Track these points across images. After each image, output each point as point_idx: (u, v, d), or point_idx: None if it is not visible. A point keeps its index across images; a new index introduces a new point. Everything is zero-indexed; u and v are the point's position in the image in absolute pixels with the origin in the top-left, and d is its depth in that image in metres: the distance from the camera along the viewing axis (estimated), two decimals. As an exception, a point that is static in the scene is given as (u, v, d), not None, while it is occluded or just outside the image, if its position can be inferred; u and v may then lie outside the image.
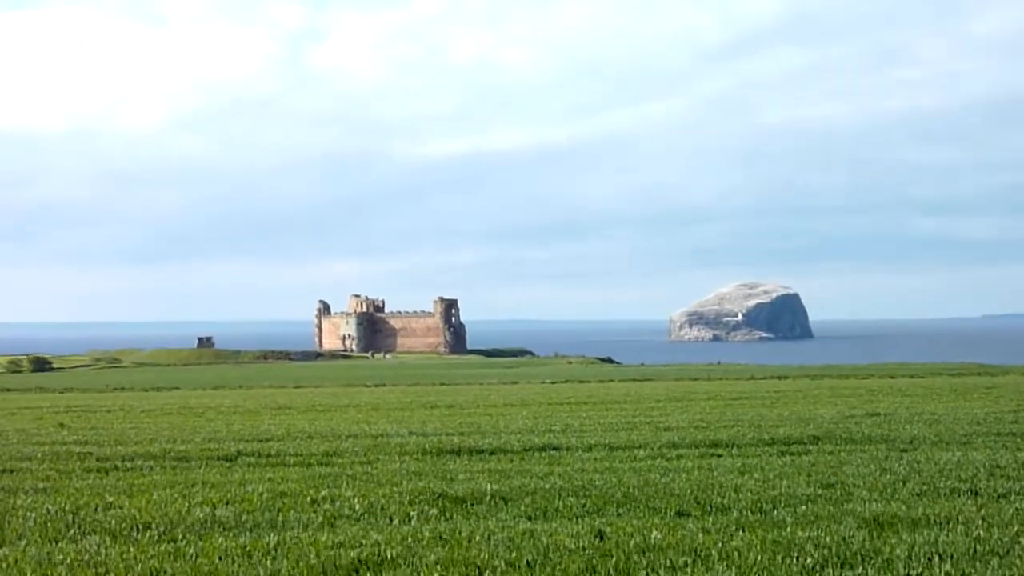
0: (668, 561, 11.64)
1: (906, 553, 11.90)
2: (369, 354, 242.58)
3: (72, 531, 14.23)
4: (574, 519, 14.66)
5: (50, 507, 16.14)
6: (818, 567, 11.41)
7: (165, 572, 11.43)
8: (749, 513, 14.93)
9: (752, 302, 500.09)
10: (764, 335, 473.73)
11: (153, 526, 14.40)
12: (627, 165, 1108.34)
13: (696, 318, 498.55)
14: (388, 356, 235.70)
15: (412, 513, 15.20)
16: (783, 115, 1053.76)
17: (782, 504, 15.67)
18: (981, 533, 12.88)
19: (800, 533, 13.03)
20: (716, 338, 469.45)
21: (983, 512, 14.45)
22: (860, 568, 11.32)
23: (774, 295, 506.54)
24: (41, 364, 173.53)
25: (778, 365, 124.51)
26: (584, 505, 15.75)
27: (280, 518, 14.94)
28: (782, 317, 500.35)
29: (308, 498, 16.58)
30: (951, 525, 13.54)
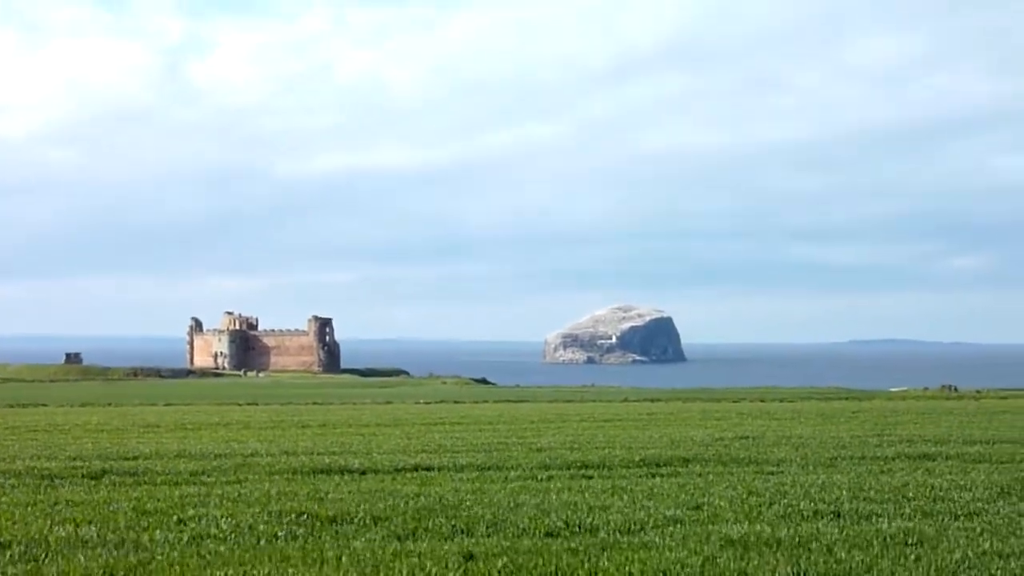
0: (535, 582, 11.72)
1: (770, 574, 12.12)
2: (242, 372, 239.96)
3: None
4: (443, 540, 14.67)
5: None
6: (683, 587, 11.57)
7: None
8: (617, 534, 15.07)
9: (626, 325, 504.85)
10: (638, 358, 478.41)
11: (13, 544, 14.12)
12: (508, 187, 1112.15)
13: (571, 340, 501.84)
14: (261, 374, 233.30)
15: (279, 533, 15.09)
16: (663, 140, 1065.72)
17: (650, 525, 15.84)
18: (842, 555, 13.15)
19: (668, 554, 13.19)
20: (590, 360, 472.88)
21: (845, 534, 14.77)
22: (724, 588, 11.49)
23: (647, 318, 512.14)
24: None
25: (651, 388, 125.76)
26: (454, 526, 15.76)
27: (144, 537, 14.74)
28: (655, 340, 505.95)
29: (175, 517, 16.39)
30: (813, 546, 13.80)
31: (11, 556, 13.46)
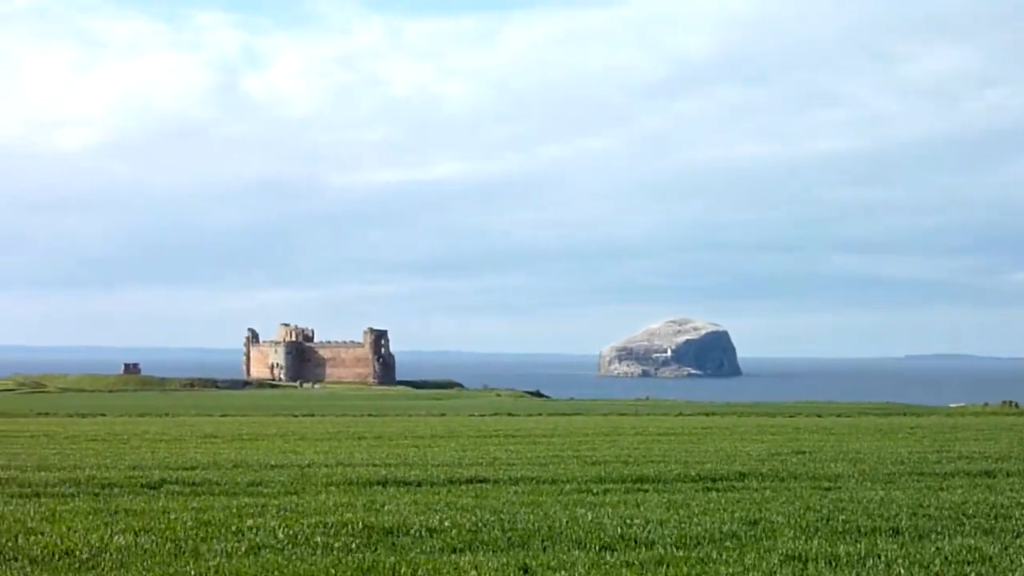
0: (592, 596, 11.69)
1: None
2: (297, 383, 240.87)
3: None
4: (499, 552, 14.66)
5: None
6: (741, 603, 11.49)
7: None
8: (674, 548, 14.97)
9: (681, 339, 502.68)
10: (693, 371, 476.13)
11: (75, 553, 14.26)
12: (561, 200, 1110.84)
13: (625, 353, 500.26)
14: (316, 386, 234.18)
15: (336, 545, 15.13)
16: (714, 153, 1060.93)
17: (707, 540, 15.73)
18: (902, 572, 13.03)
19: (725, 569, 13.12)
20: (645, 373, 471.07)
21: (905, 551, 14.61)
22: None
23: (703, 332, 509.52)
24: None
25: (706, 402, 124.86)
26: (509, 538, 15.75)
27: (203, 547, 14.83)
28: (711, 354, 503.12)
29: (232, 527, 16.47)
30: (871, 563, 13.68)
31: (73, 564, 13.61)
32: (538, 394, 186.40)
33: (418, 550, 14.79)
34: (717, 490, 22.88)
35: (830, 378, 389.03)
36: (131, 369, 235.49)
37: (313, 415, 76.68)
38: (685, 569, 13.17)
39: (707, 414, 79.78)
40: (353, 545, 15.18)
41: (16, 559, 13.93)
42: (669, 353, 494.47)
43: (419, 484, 23.69)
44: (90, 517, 17.75)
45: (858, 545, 15.07)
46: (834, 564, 13.64)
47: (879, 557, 14.06)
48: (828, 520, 17.66)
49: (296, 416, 74.33)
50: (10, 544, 14.93)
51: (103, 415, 75.18)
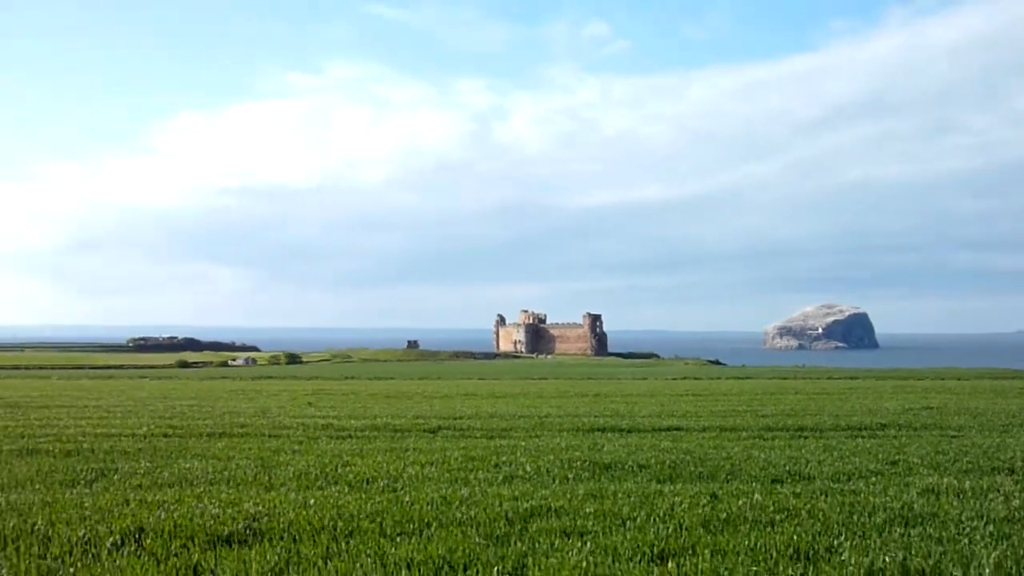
0: (767, 518, 11.50)
1: (957, 516, 11.57)
2: (534, 355, 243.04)
3: (320, 481, 14.62)
4: (693, 483, 14.56)
5: (303, 464, 16.62)
6: (887, 524, 11.14)
7: (387, 512, 11.66)
8: (830, 482, 14.63)
9: (830, 319, 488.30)
10: (839, 345, 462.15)
11: (378, 480, 14.73)
12: (734, 213, 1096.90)
13: (785, 331, 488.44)
14: (548, 357, 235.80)
15: (569, 476, 15.25)
16: (858, 174, 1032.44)
17: (856, 476, 15.32)
18: (1016, 503, 12.43)
19: (872, 499, 12.74)
20: (800, 347, 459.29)
21: (1019, 487, 13.95)
22: (920, 527, 11.03)
23: (848, 314, 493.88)
24: (293, 358, 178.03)
25: (851, 368, 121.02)
26: (700, 473, 15.62)
27: (471, 476, 15.14)
28: (854, 331, 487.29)
29: (491, 462, 16.74)
30: (992, 496, 13.10)
31: (377, 487, 14.05)
32: (717, 362, 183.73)
33: (631, 481, 14.79)
34: (862, 437, 22.22)
35: (952, 350, 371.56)
36: (412, 344, 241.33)
37: (546, 379, 77.18)
38: (840, 498, 12.83)
39: (851, 378, 77.29)
40: (582, 476, 15.29)
41: (336, 483, 14.45)
42: (820, 330, 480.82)
43: (629, 431, 23.65)
44: (387, 453, 18.29)
45: (981, 481, 14.44)
46: (961, 496, 13.10)
47: (998, 491, 13.45)
48: (955, 461, 16.96)
49: (533, 380, 74.95)
50: (332, 472, 15.51)
51: (393, 378, 77.18)
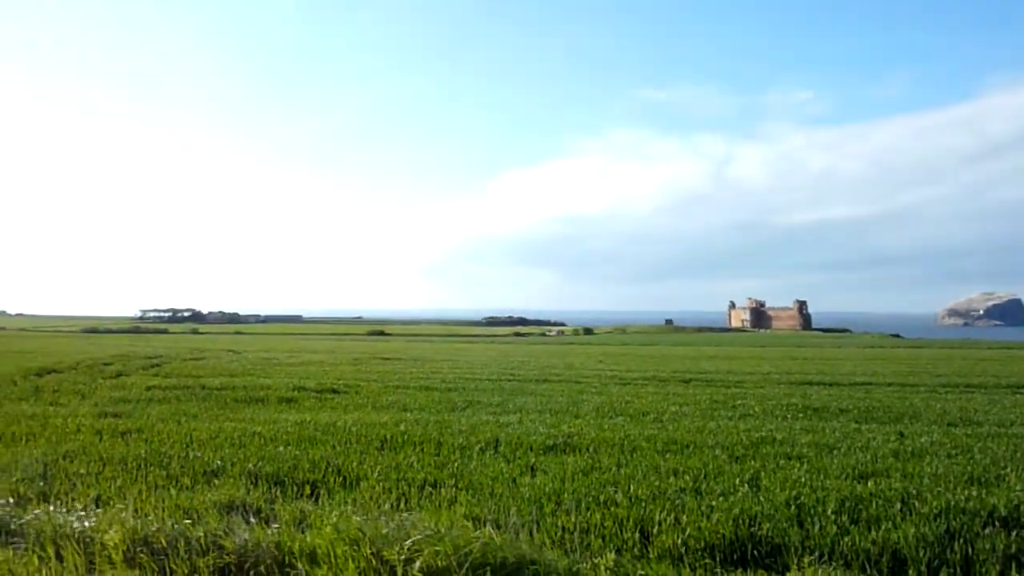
0: (945, 452, 10.42)
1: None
2: (756, 330, 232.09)
3: (610, 413, 14.61)
4: (884, 424, 13.41)
5: (598, 401, 16.71)
6: (1048, 462, 9.80)
7: (658, 437, 11.55)
8: (996, 427, 13.03)
9: (990, 303, 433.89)
10: (997, 323, 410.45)
11: (650, 414, 14.58)
12: (913, 225, 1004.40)
13: (953, 312, 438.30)
14: (765, 331, 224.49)
15: (788, 415, 14.49)
16: (1013, 193, 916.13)
17: (1018, 423, 13.57)
18: None
19: (1033, 441, 11.24)
20: (966, 324, 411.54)
21: None
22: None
23: (1005, 299, 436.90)
24: (588, 331, 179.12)
25: (1009, 341, 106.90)
26: (890, 416, 14.38)
27: (715, 414, 14.71)
28: (1010, 312, 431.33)
29: (730, 404, 16.20)
30: None
31: (649, 419, 13.87)
32: (897, 335, 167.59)
33: (835, 420, 13.85)
34: (1021, 393, 19.63)
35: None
36: (669, 322, 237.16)
37: (765, 347, 73.60)
38: (1005, 440, 11.40)
39: (1008, 348, 68.37)
40: (798, 416, 14.48)
41: (621, 415, 14.27)
42: (982, 312, 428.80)
43: (831, 384, 22.13)
44: (655, 396, 18.02)
45: None
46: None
47: None
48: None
49: (756, 347, 71.69)
50: (619, 408, 15.23)
51: (656, 344, 76.15)
